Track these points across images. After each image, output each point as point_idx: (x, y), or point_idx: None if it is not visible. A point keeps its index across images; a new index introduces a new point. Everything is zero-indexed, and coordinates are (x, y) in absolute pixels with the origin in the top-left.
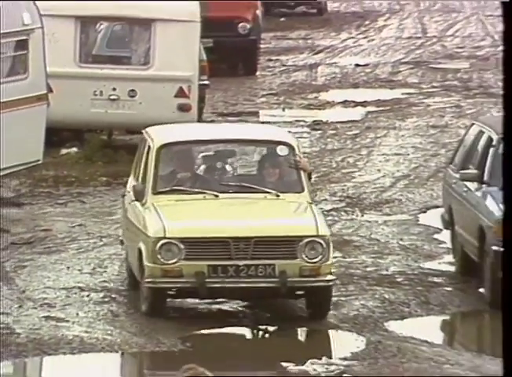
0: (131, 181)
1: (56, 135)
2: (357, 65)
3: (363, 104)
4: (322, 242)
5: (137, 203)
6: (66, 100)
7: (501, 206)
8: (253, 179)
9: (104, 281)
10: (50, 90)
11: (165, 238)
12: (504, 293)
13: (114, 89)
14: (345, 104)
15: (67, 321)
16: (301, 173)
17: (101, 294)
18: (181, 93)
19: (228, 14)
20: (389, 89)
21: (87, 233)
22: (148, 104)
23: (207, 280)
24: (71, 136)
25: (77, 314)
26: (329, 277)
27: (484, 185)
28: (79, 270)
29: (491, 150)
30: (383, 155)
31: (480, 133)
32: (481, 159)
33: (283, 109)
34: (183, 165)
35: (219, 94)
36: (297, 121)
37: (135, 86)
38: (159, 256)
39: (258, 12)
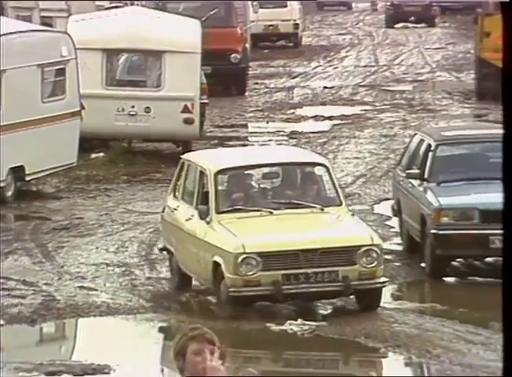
0: (171, 200)
1: (87, 143)
2: (325, 87)
3: (330, 118)
4: (377, 249)
5: (202, 221)
6: (95, 116)
7: (438, 198)
8: (298, 196)
9: (125, 259)
10: (82, 108)
11: (245, 253)
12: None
13: (133, 107)
14: (316, 118)
15: (96, 290)
16: (338, 188)
17: (123, 269)
18: (186, 110)
19: (223, 47)
20: (350, 106)
21: (112, 220)
22: (160, 119)
23: (283, 286)
24: (98, 144)
25: (104, 284)
26: (382, 279)
27: (424, 182)
28: (105, 249)
29: (430, 154)
30: (346, 158)
31: (422, 141)
32: (422, 162)
33: (267, 122)
34: (237, 186)
35: (216, 110)
36: (277, 131)
37: (150, 104)
38: (240, 269)
39: (247, 45)
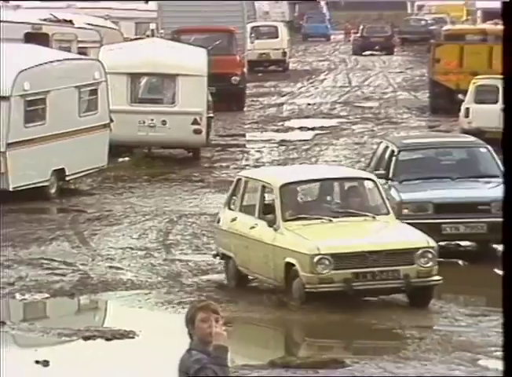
0: (227, 212)
1: (115, 149)
2: (308, 104)
3: (312, 129)
4: (432, 251)
5: (269, 228)
6: (121, 127)
7: (399, 193)
8: (351, 206)
9: (146, 244)
10: (111, 121)
11: (320, 254)
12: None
13: (152, 120)
14: (301, 129)
15: (123, 269)
16: (385, 199)
17: (144, 252)
18: (195, 122)
19: (225, 71)
20: (328, 119)
21: (135, 212)
22: (174, 129)
23: (352, 284)
24: (124, 150)
25: (129, 265)
26: (437, 277)
27: (388, 181)
28: (130, 236)
29: (393, 158)
30: (325, 161)
31: (386, 147)
32: (387, 164)
33: (261, 132)
34: (299, 198)
35: (220, 123)
36: (269, 140)
37: (166, 118)
38: (315, 268)
39: (245, 69)
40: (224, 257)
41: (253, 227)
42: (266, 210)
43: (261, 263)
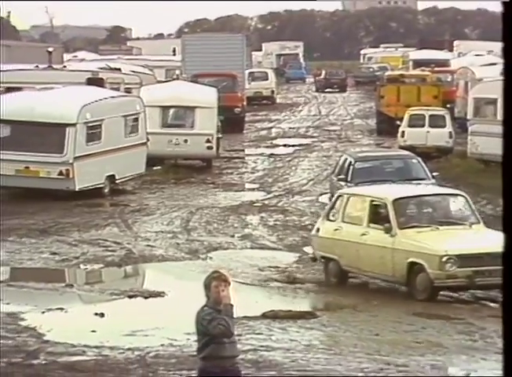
0: (326, 223)
1: (151, 160)
2: (290, 128)
3: (293, 145)
4: None
5: (386, 235)
6: (155, 145)
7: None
8: (450, 216)
9: (172, 229)
10: (148, 140)
11: (447, 255)
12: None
13: (177, 139)
14: (285, 145)
15: (156, 247)
16: (476, 212)
17: (171, 235)
18: (208, 141)
19: (230, 104)
20: (304, 139)
21: (165, 206)
22: (193, 146)
23: (475, 279)
24: (157, 161)
25: (160, 244)
26: None
27: (347, 183)
28: (161, 223)
29: (351, 167)
30: (302, 169)
31: (346, 159)
32: (346, 171)
33: (256, 148)
34: (408, 210)
35: (226, 141)
36: (262, 153)
37: (187, 137)
38: (444, 266)
39: (244, 103)
40: (325, 259)
41: (364, 234)
42: (374, 220)
43: (376, 263)
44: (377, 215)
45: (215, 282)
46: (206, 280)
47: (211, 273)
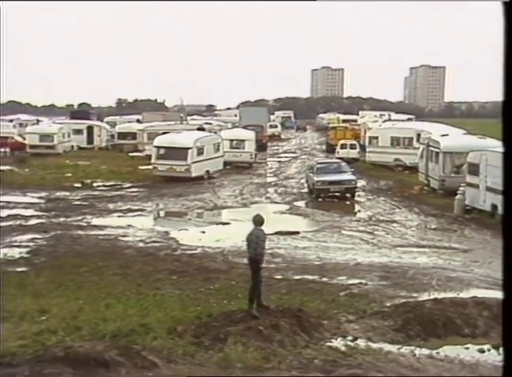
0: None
1: (225, 164)
2: (287, 149)
3: (288, 157)
4: None
5: None
6: (227, 156)
7: (316, 178)
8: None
9: (234, 193)
10: (223, 154)
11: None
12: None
13: (237, 154)
14: (285, 157)
15: (228, 202)
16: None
17: (234, 196)
18: (250, 155)
19: (260, 138)
20: (293, 154)
21: (231, 184)
22: (244, 157)
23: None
24: (228, 164)
25: (230, 200)
26: None
27: (314, 174)
28: (232, 191)
29: (315, 167)
30: (293, 167)
31: (312, 163)
32: (312, 169)
33: (272, 158)
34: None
35: (258, 155)
36: (274, 160)
37: (241, 153)
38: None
39: (267, 138)
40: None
41: None
42: None
43: None
44: None
45: (258, 218)
46: (254, 217)
47: (255, 215)
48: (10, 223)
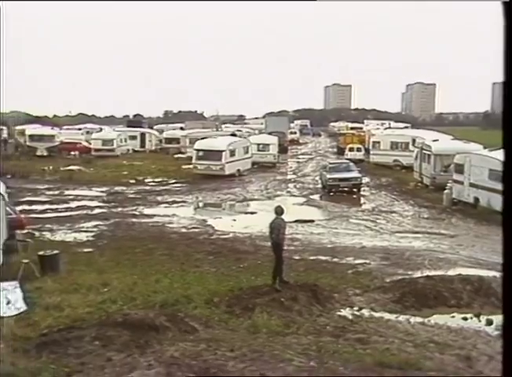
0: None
1: (253, 164)
2: (305, 151)
3: (306, 158)
4: None
5: None
6: (254, 158)
7: (329, 176)
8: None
9: (263, 190)
10: (252, 156)
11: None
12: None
13: (263, 155)
14: (303, 158)
15: (255, 195)
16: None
17: (260, 190)
18: (274, 156)
19: (282, 142)
20: (310, 155)
21: (257, 180)
22: (268, 158)
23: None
24: (255, 164)
25: (256, 194)
26: None
27: (327, 173)
28: (258, 186)
29: (328, 166)
30: (309, 167)
31: (326, 164)
32: (326, 168)
33: (292, 158)
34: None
35: (280, 157)
36: (294, 161)
37: (266, 155)
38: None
39: (288, 142)
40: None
41: None
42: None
43: None
44: None
45: (278, 209)
46: (276, 208)
47: (276, 206)
48: (78, 212)
